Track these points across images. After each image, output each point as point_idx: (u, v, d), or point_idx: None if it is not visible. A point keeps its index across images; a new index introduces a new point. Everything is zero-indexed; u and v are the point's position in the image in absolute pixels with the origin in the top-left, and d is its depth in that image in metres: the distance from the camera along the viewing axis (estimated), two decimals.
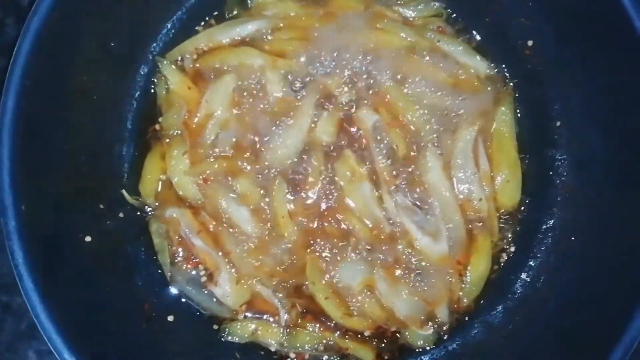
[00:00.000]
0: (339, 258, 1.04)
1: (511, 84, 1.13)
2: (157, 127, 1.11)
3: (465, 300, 1.05)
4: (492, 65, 1.13)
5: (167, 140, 1.09)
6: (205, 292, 1.05)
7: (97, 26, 0.95)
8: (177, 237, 1.06)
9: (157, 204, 1.08)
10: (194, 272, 1.06)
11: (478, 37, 1.15)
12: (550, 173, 1.07)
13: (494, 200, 1.08)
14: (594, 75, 0.96)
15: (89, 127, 0.99)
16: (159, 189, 1.08)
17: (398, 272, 1.04)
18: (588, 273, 0.96)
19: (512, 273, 1.07)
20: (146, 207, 1.08)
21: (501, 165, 1.09)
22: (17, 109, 0.85)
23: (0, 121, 0.84)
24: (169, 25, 1.13)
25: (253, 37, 1.12)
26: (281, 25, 1.13)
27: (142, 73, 1.12)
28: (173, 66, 1.10)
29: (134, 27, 1.05)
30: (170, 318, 1.02)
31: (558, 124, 1.05)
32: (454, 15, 1.15)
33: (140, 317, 0.99)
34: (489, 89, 1.11)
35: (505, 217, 1.09)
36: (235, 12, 1.15)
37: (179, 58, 1.12)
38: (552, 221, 1.06)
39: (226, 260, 1.05)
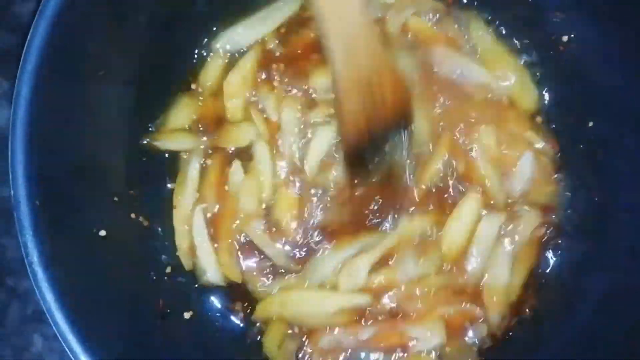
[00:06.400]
0: None
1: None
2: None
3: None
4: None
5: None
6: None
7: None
8: None
9: None
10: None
11: (504, 31, 1.09)
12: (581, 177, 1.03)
13: None
14: (635, 74, 0.92)
15: (103, 120, 0.95)
16: None
17: None
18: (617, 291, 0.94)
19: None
20: None
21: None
22: (31, 101, 0.80)
23: (14, 119, 0.79)
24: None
25: None
26: None
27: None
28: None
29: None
30: (186, 315, 1.00)
31: (591, 124, 1.01)
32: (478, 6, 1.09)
33: (155, 313, 0.96)
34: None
35: None
36: None
37: None
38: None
39: None
